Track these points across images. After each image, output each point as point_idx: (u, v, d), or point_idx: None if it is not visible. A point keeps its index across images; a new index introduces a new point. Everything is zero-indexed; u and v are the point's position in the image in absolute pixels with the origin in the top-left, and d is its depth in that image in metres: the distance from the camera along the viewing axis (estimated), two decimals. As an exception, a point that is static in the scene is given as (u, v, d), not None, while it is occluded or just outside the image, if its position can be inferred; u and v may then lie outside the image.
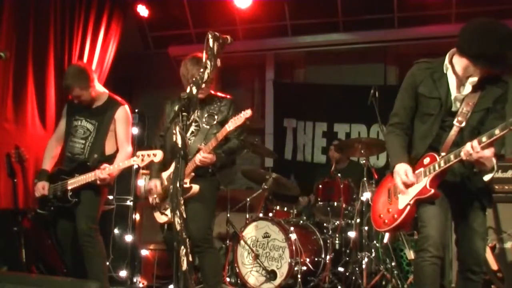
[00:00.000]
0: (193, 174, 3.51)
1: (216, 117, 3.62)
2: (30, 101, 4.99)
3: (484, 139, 2.48)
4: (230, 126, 3.42)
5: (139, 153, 3.60)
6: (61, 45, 5.39)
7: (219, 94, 3.75)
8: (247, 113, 3.42)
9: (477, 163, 2.56)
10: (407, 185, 2.76)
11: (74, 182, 3.77)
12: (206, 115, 3.63)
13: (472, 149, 2.49)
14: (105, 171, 3.68)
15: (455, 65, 2.74)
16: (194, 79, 2.60)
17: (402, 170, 2.78)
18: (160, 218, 3.66)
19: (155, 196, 3.68)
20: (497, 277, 4.23)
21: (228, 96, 3.76)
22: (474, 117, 2.71)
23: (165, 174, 3.66)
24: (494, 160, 2.55)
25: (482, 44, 2.56)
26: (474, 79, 2.69)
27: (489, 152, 2.49)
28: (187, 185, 3.45)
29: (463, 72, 2.71)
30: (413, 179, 2.75)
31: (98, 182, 3.71)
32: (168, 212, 3.57)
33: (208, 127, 3.60)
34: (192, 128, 3.64)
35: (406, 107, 2.90)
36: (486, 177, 2.62)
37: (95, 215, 3.85)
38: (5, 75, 4.72)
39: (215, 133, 3.53)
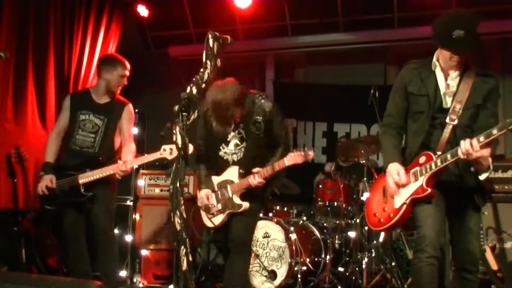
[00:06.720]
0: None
1: (262, 125, 3.35)
2: (30, 101, 4.98)
3: (482, 138, 2.50)
4: (289, 161, 3.29)
5: (165, 146, 3.60)
6: (61, 45, 5.38)
7: (253, 91, 3.46)
8: (310, 155, 3.30)
9: (474, 163, 2.59)
10: (399, 186, 2.78)
11: (87, 176, 3.77)
12: (250, 124, 3.36)
13: (471, 148, 2.50)
14: (128, 163, 3.72)
15: (440, 60, 2.79)
16: (194, 79, 2.60)
17: (394, 170, 2.80)
18: (209, 222, 3.58)
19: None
20: (497, 277, 4.23)
21: (264, 94, 3.48)
22: (465, 114, 2.73)
23: (215, 180, 3.57)
24: (490, 159, 2.57)
25: (442, 25, 2.70)
26: (458, 72, 2.75)
27: (486, 151, 2.52)
28: (238, 202, 3.43)
29: (445, 65, 2.76)
30: (404, 180, 2.76)
31: (118, 175, 3.74)
32: (218, 217, 3.52)
33: (254, 137, 3.39)
34: (237, 139, 3.46)
35: (398, 107, 2.95)
36: (482, 176, 2.63)
37: (113, 212, 3.95)
38: (5, 75, 4.71)
39: (262, 145, 3.40)
